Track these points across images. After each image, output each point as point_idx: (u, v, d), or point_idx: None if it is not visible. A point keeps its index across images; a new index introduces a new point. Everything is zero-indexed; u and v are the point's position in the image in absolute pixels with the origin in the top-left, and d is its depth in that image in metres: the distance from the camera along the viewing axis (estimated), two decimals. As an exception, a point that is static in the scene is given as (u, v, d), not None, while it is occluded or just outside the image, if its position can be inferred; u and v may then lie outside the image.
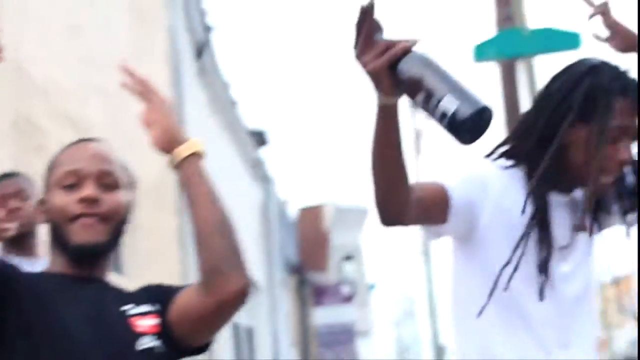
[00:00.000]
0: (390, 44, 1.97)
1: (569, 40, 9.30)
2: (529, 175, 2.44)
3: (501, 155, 2.53)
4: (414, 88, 1.95)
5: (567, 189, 2.49)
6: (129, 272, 8.81)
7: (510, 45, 9.41)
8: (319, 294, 26.17)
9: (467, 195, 2.42)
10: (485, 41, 9.31)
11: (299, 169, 60.30)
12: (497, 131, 9.53)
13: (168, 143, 2.21)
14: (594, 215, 2.51)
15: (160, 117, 2.21)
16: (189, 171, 2.19)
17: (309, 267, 26.02)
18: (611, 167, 2.38)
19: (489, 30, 9.88)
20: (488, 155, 2.55)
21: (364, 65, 2.00)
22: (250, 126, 16.97)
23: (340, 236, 30.63)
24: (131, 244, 8.12)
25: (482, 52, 9.29)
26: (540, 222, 2.43)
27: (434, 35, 42.28)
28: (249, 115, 25.10)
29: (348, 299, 26.80)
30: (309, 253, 26.44)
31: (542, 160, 2.40)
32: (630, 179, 2.48)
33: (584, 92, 2.37)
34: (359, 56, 2.00)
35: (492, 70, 9.87)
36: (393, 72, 1.98)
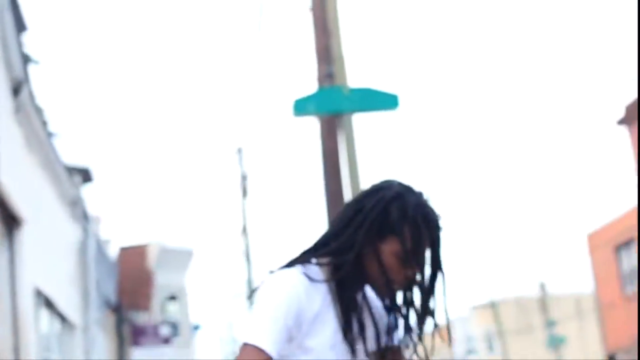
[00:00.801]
0: None
1: (388, 100, 9.51)
2: (342, 290, 2.75)
3: (316, 261, 2.76)
4: None
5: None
6: None
7: (329, 102, 9.54)
8: (138, 334, 25.76)
9: (282, 342, 2.63)
10: (305, 97, 9.41)
11: (126, 207, 59.41)
12: (316, 178, 9.66)
13: None
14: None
15: None
16: None
17: (130, 306, 25.58)
18: (400, 281, 2.76)
19: (309, 86, 9.94)
20: (302, 259, 2.76)
21: None
22: (74, 163, 16.56)
23: (164, 276, 30.30)
24: None
25: (302, 107, 9.39)
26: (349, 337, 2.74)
27: (256, 87, 42.49)
28: (74, 151, 24.67)
29: (167, 340, 26.48)
30: (131, 292, 26.03)
31: (356, 273, 2.74)
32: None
33: (390, 216, 2.73)
34: None
35: (313, 124, 9.97)
36: None
